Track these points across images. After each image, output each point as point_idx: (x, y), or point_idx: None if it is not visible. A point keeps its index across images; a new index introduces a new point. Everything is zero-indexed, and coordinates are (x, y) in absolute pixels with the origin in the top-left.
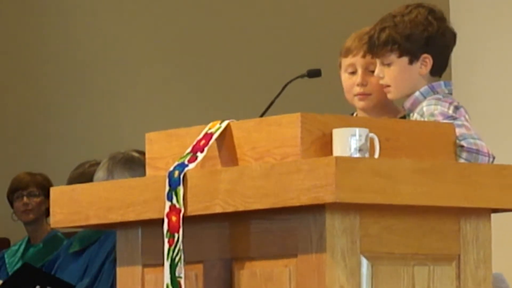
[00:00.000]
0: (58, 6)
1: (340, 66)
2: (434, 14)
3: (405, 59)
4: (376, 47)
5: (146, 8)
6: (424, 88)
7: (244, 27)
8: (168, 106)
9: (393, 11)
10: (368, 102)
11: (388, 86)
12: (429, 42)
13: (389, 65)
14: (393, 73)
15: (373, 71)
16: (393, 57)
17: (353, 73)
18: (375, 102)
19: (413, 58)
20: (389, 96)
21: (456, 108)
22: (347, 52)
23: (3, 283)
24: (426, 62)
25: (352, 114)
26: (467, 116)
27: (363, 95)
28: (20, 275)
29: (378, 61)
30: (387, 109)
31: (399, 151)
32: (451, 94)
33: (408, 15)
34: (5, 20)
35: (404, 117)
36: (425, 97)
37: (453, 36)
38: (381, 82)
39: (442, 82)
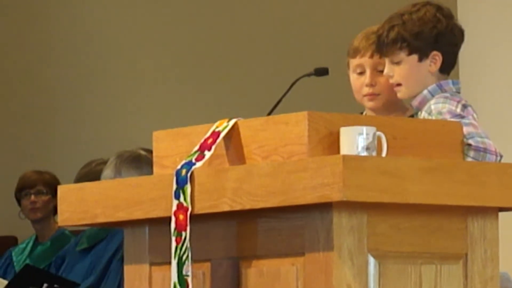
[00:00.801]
0: (65, 7)
1: (348, 66)
2: (442, 11)
3: (414, 57)
4: (385, 46)
5: (152, 8)
6: (432, 87)
7: (251, 25)
8: (175, 104)
9: (400, 9)
10: (377, 102)
11: (399, 85)
12: (438, 39)
13: (398, 63)
14: (403, 71)
15: (381, 71)
16: (402, 55)
17: (362, 73)
18: (384, 102)
19: (423, 55)
20: (399, 95)
21: (464, 106)
22: (355, 53)
23: (7, 286)
24: (435, 59)
25: (361, 113)
26: (475, 115)
27: (372, 95)
28: (22, 276)
29: (387, 60)
30: (396, 108)
31: (407, 149)
32: (459, 92)
33: (416, 13)
34: (13, 22)
35: (413, 115)
36: (433, 96)
37: (461, 33)
38: (391, 81)
39: (450, 81)
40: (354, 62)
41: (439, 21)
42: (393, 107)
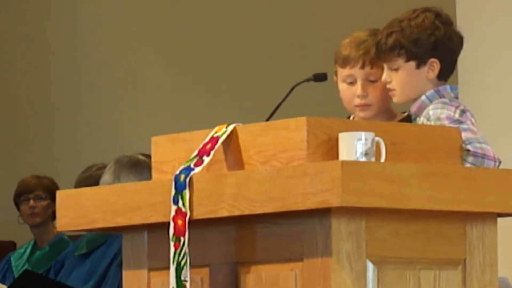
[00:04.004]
0: (64, 9)
1: (336, 74)
2: (441, 18)
3: (412, 64)
4: (383, 52)
5: (152, 11)
6: (430, 92)
7: (250, 30)
8: (174, 110)
9: (400, 15)
10: (369, 112)
11: (395, 90)
12: (436, 46)
13: (396, 69)
14: (400, 77)
15: (372, 81)
16: (400, 61)
17: (352, 83)
18: (376, 112)
19: (421, 62)
20: (395, 100)
21: (463, 112)
22: (344, 63)
23: None
24: (433, 66)
25: (349, 117)
26: (473, 120)
27: (364, 106)
28: (21, 281)
29: (385, 66)
30: (386, 116)
31: (405, 155)
32: (457, 98)
33: (415, 19)
34: (11, 24)
35: (403, 120)
36: (431, 101)
37: (460, 39)
38: (389, 86)
39: (448, 86)
40: (344, 72)
41: (438, 28)
42: (384, 115)
